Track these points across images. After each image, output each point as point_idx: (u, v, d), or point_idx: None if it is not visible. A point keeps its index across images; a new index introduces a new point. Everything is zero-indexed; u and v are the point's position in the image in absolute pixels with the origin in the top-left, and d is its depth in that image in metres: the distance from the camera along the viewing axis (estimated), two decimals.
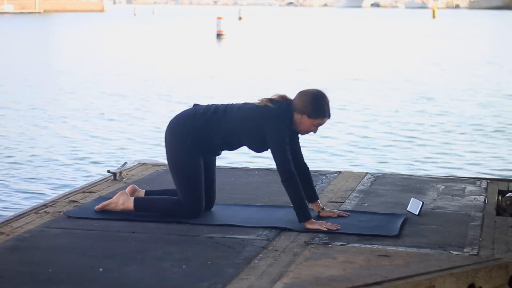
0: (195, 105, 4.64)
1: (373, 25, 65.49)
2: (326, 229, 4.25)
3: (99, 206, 4.65)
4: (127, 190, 4.74)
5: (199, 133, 4.46)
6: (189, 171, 4.49)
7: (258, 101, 4.48)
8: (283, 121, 4.37)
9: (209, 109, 4.51)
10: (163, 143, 4.64)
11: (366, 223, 4.42)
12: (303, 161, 4.62)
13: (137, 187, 4.84)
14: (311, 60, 27.32)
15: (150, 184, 5.39)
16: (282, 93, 4.52)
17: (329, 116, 4.45)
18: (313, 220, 4.34)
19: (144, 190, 4.85)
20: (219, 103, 4.60)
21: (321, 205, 4.63)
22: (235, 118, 4.44)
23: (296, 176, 4.36)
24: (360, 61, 26.96)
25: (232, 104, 4.56)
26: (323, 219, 4.48)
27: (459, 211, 4.78)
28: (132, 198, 4.63)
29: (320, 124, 4.45)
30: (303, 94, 4.44)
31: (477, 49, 33.65)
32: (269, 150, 4.44)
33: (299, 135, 4.58)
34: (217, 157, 4.75)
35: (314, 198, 4.62)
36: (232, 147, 4.57)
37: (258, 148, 4.49)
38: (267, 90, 18.03)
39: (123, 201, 4.61)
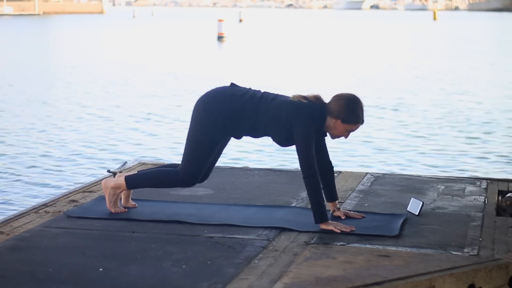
0: (232, 84, 4.53)
1: (389, 27, 65.56)
2: (339, 231, 4.24)
3: (112, 210, 4.61)
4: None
5: (232, 116, 4.39)
6: (203, 147, 4.45)
7: (292, 97, 4.42)
8: (314, 121, 4.31)
9: (247, 94, 4.43)
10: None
11: (366, 223, 4.42)
12: (328, 158, 4.57)
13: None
14: (311, 61, 27.32)
15: None
16: (316, 93, 4.44)
17: (362, 122, 4.40)
18: (329, 221, 4.31)
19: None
20: (257, 89, 4.51)
21: (338, 205, 4.61)
22: (269, 108, 4.37)
23: (317, 175, 4.30)
24: (360, 61, 26.97)
25: (268, 93, 4.49)
26: (334, 219, 4.48)
27: (459, 211, 4.78)
28: (122, 177, 4.59)
29: (353, 130, 4.40)
30: (338, 98, 4.39)
31: (483, 50, 33.65)
32: (293, 145, 4.37)
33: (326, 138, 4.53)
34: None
35: (333, 197, 4.59)
36: (257, 134, 4.49)
37: (282, 141, 4.42)
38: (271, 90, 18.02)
39: (113, 182, 4.58)
